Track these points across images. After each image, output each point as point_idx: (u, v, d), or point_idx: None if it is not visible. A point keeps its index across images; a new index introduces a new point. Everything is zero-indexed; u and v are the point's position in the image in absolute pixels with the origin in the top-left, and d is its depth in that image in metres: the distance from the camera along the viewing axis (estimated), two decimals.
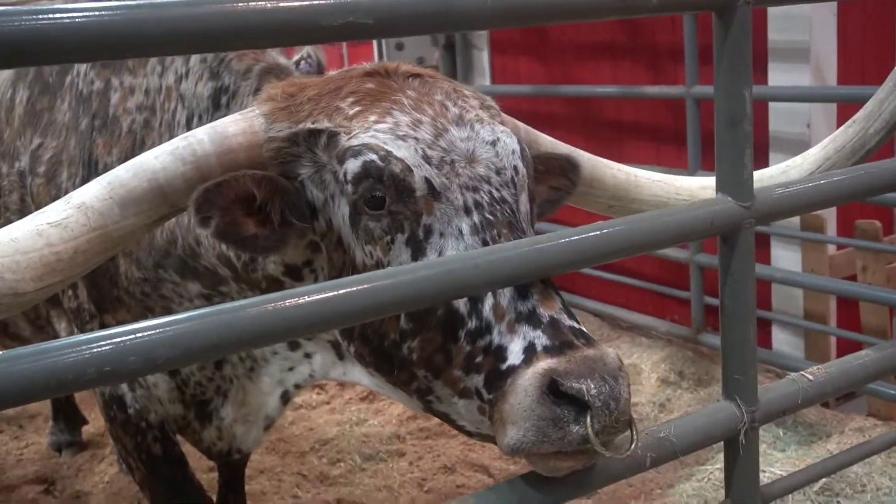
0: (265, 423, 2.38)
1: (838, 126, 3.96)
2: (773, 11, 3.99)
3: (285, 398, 2.27)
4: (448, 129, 1.46)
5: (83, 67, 2.17)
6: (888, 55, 4.19)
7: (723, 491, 1.73)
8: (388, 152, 1.43)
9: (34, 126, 2.27)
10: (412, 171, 1.42)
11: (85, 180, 1.76)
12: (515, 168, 1.49)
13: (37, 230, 1.32)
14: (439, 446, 3.96)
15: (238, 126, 1.52)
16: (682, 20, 4.23)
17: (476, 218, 1.43)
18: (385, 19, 1.24)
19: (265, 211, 1.52)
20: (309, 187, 1.55)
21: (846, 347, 3.68)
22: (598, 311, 5.20)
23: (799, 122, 4.06)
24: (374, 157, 1.44)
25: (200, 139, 1.47)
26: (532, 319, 1.33)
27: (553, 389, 1.23)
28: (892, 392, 3.52)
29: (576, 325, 1.32)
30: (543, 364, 1.26)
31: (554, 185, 1.75)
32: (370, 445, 4.05)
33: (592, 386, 1.23)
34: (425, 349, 1.43)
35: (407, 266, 1.30)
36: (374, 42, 6.95)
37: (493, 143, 1.49)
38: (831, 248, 4.01)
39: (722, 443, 1.69)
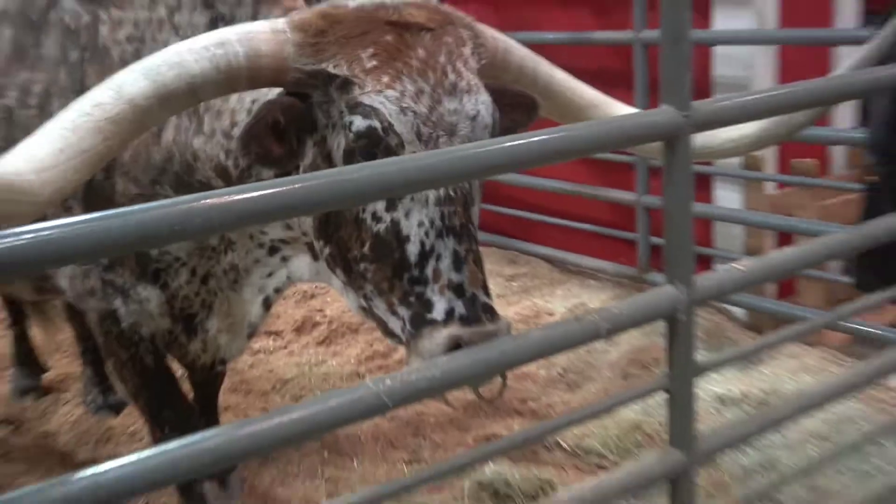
0: (248, 331, 2.55)
1: (779, 69, 4.16)
2: None
3: (267, 304, 2.47)
4: (442, 100, 1.73)
5: (68, 3, 2.30)
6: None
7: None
8: (390, 125, 1.70)
9: (20, 62, 2.39)
10: (404, 146, 1.70)
11: None
12: (482, 139, 1.73)
13: (96, 126, 1.45)
14: None
15: (269, 47, 1.72)
16: None
17: (441, 192, 1.73)
18: None
19: (286, 130, 1.80)
20: (315, 109, 1.80)
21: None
22: (549, 256, 5.31)
23: (741, 65, 4.23)
24: (378, 125, 1.71)
25: (236, 52, 1.67)
26: (458, 290, 1.69)
27: (455, 347, 1.60)
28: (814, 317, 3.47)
29: (488, 301, 1.69)
30: (455, 329, 1.63)
31: (514, 118, 1.97)
32: (330, 383, 4.10)
33: None
34: (376, 274, 1.79)
35: (352, 167, 1.48)
36: None
37: (473, 118, 1.77)
38: (772, 189, 4.17)
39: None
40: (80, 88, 2.13)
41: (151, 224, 1.20)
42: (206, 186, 2.08)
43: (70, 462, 3.53)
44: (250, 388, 4.06)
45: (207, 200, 1.24)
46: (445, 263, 1.71)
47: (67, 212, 2.23)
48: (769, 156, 4.13)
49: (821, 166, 4.22)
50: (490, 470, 3.05)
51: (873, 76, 2.11)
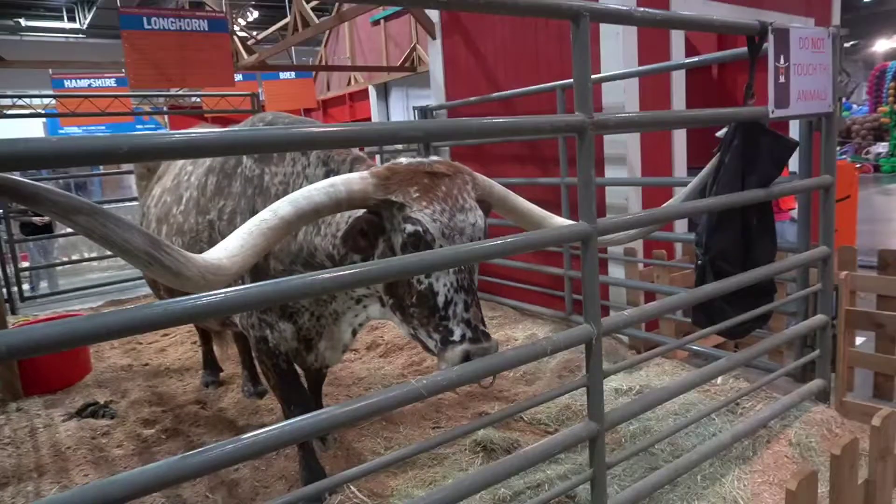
0: (343, 348, 2.54)
1: (643, 200, 4.21)
2: (608, 137, 4.20)
3: (354, 333, 2.47)
4: (455, 214, 1.80)
5: (248, 162, 2.40)
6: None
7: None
8: (427, 229, 1.77)
9: (220, 195, 2.47)
10: (435, 241, 1.78)
11: None
12: (479, 238, 1.84)
13: (261, 232, 1.50)
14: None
15: (360, 186, 1.78)
16: (558, 140, 4.38)
17: (457, 268, 1.77)
18: (430, 134, 1.48)
19: (367, 233, 1.87)
20: (384, 221, 1.87)
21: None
22: (511, 305, 5.27)
23: (621, 196, 4.27)
24: (420, 229, 1.78)
25: (340, 190, 1.71)
26: (468, 323, 1.73)
27: (466, 356, 1.67)
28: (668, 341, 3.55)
29: (485, 330, 1.74)
30: (466, 346, 1.69)
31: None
32: (387, 380, 4.00)
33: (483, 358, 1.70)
34: (420, 315, 1.81)
35: (404, 256, 1.54)
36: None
37: (474, 225, 1.83)
38: (640, 267, 4.11)
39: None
40: (252, 211, 2.28)
41: (287, 290, 1.23)
42: (320, 265, 2.18)
43: (234, 427, 3.49)
44: (340, 383, 4.02)
45: (320, 276, 1.26)
46: (460, 307, 1.75)
47: (242, 280, 2.33)
48: (639, 247, 4.18)
49: (668, 253, 4.22)
50: (482, 433, 2.98)
51: (694, 206, 2.23)
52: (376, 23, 10.35)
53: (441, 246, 1.78)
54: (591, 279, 1.76)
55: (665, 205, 2.28)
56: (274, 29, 12.18)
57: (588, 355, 1.80)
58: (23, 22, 18.75)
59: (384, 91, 10.97)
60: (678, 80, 4.24)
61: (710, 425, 2.85)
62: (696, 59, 3.15)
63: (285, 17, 11.26)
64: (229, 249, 1.40)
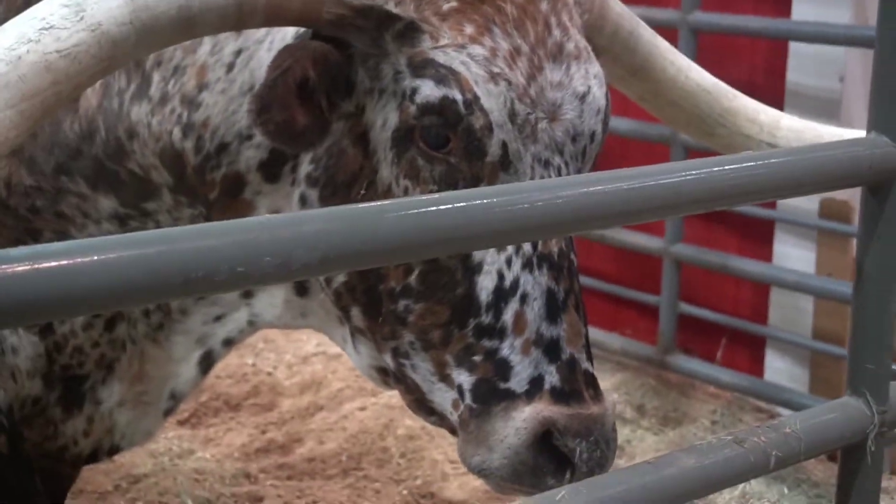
0: (168, 405, 1.54)
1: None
2: None
3: (206, 364, 1.49)
4: (543, 67, 1.07)
5: None
6: None
7: None
8: (476, 98, 1.02)
9: None
10: (492, 130, 1.02)
11: None
12: (592, 135, 1.10)
13: (45, 63, 0.82)
14: (313, 489, 2.22)
15: None
16: None
17: None
18: None
19: (314, 91, 1.07)
20: (356, 64, 1.09)
21: None
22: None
23: (829, 73, 2.45)
24: (458, 96, 1.01)
25: None
26: (551, 350, 1.01)
27: (544, 436, 0.98)
28: None
29: (590, 368, 1.04)
30: (546, 410, 0.98)
31: None
32: (207, 486, 2.30)
33: (585, 450, 0.96)
34: (425, 318, 1.07)
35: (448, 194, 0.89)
36: None
37: (582, 98, 1.09)
38: None
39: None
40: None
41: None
42: (137, 180, 1.31)
43: None
44: (82, 487, 2.25)
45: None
46: (535, 308, 1.02)
47: None
48: None
49: None
50: None
51: None
52: None
53: (505, 145, 1.05)
54: (879, 296, 1.06)
55: None
56: None
57: (848, 466, 1.12)
58: None
59: None
60: None
61: None
62: None
63: None
64: None
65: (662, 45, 1.30)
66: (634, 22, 1.27)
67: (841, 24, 2.59)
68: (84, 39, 0.84)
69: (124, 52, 0.90)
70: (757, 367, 2.83)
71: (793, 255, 2.66)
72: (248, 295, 1.38)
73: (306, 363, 3.21)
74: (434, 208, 0.74)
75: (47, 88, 0.82)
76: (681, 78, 1.28)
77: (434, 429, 1.85)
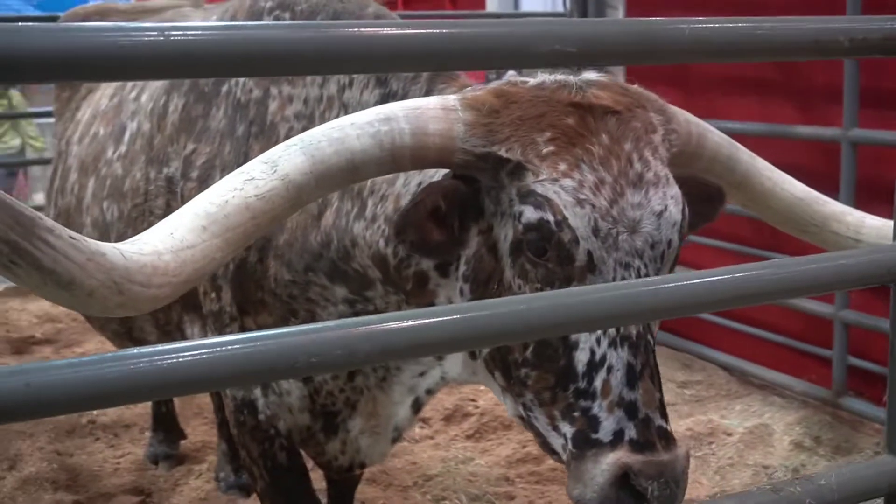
0: (393, 435, 1.93)
1: None
2: None
3: (416, 406, 1.84)
4: (625, 192, 1.23)
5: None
6: None
7: None
8: (564, 219, 1.20)
9: (188, 132, 1.90)
10: (578, 243, 1.20)
11: None
12: (669, 242, 1.26)
13: (245, 203, 1.01)
14: (551, 492, 2.78)
15: (438, 126, 1.22)
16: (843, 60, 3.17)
17: None
18: (588, 49, 0.95)
19: (447, 217, 1.29)
20: (483, 195, 1.31)
21: None
22: (728, 365, 3.98)
23: None
24: (550, 218, 1.20)
25: (402, 129, 1.19)
26: (630, 410, 1.18)
27: (623, 477, 1.16)
28: None
29: (664, 425, 1.20)
30: (624, 457, 1.15)
31: (698, 210, 1.39)
32: (477, 486, 2.93)
33: (656, 488, 1.13)
34: (538, 382, 1.28)
35: (542, 295, 1.12)
36: None
37: (659, 215, 1.25)
38: None
39: None
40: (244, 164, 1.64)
41: (305, 347, 0.79)
42: (360, 276, 1.61)
43: None
44: (390, 482, 2.96)
45: (358, 329, 0.83)
46: (617, 377, 1.19)
47: (217, 291, 1.81)
48: None
49: None
50: None
51: None
52: None
53: (591, 254, 1.23)
54: None
55: None
56: None
57: None
58: None
59: None
60: None
61: None
62: None
63: None
64: (179, 235, 0.99)
65: (760, 163, 1.44)
66: (734, 148, 1.42)
67: None
68: (276, 186, 1.03)
69: (307, 194, 1.10)
70: None
71: None
72: (440, 358, 1.66)
73: None
74: (525, 307, 0.91)
75: (247, 222, 1.00)
76: (777, 190, 1.42)
77: None
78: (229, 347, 0.76)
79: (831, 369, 3.28)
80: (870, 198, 2.73)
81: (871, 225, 1.39)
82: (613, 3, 4.46)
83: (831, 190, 3.13)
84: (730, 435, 3.25)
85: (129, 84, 2.24)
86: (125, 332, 2.24)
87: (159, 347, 0.76)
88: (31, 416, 0.71)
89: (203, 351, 0.75)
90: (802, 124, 3.49)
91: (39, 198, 6.54)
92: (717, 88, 4.01)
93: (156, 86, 2.10)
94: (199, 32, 0.76)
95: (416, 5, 8.26)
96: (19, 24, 0.71)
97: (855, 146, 3.09)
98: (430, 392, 1.81)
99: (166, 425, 3.22)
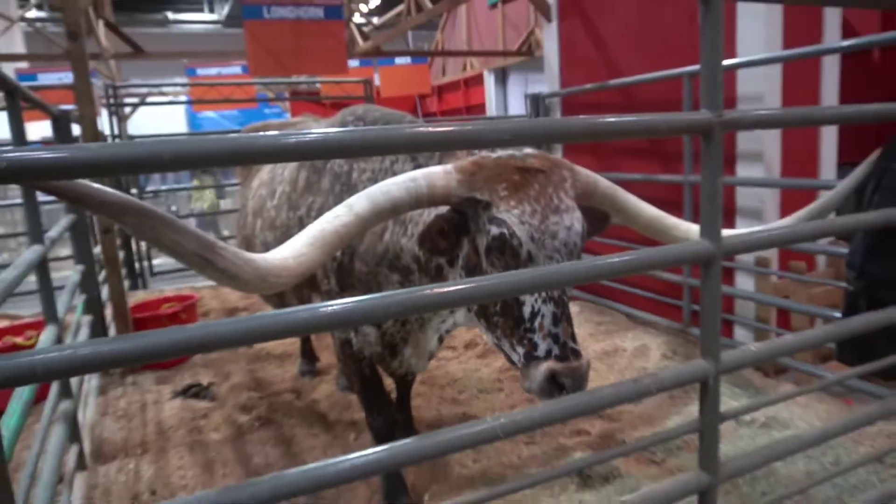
0: (429, 356, 2.48)
1: (781, 204, 3.76)
2: (741, 133, 3.92)
3: (440, 339, 2.39)
4: (549, 216, 1.64)
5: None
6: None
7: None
8: (514, 232, 1.63)
9: (309, 191, 2.45)
10: (522, 245, 1.64)
11: None
12: (575, 244, 1.68)
13: (334, 230, 1.42)
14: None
15: (441, 182, 1.65)
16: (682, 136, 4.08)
17: None
18: (517, 136, 1.29)
19: (448, 233, 1.74)
20: (469, 220, 1.74)
21: None
22: (623, 311, 5.00)
23: (755, 198, 3.89)
24: (506, 232, 1.64)
25: (421, 185, 1.61)
26: (555, 338, 1.58)
27: (551, 376, 1.53)
28: (810, 367, 3.41)
29: (575, 347, 1.59)
30: (552, 365, 1.54)
31: (594, 225, 1.84)
32: (482, 384, 3.90)
33: (571, 382, 1.52)
34: (503, 324, 1.68)
35: (503, 273, 1.36)
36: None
37: (569, 228, 1.66)
38: (775, 279, 3.87)
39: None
40: None
41: (381, 307, 1.15)
42: (406, 269, 2.12)
43: (324, 421, 3.54)
44: (434, 383, 3.96)
45: (406, 296, 1.18)
46: (547, 320, 1.59)
47: (328, 279, 2.32)
48: (773, 255, 3.86)
49: (808, 266, 3.88)
50: (578, 456, 2.90)
51: (845, 223, 1.86)
52: (494, 6, 10.21)
53: (529, 252, 1.63)
54: (711, 308, 1.55)
55: (807, 210, 1.98)
56: (391, 15, 11.89)
57: (703, 397, 1.61)
58: (170, 15, 21.00)
59: (502, 76, 10.84)
60: (830, 67, 3.81)
61: (852, 476, 2.55)
62: (856, 41, 2.79)
63: (403, 2, 11.47)
64: (296, 248, 1.35)
65: (631, 197, 1.81)
66: (615, 188, 1.79)
67: (758, 177, 3.59)
68: (352, 219, 1.43)
69: (370, 223, 1.48)
70: (729, 334, 3.90)
71: (743, 282, 3.81)
72: (452, 311, 2.13)
73: None
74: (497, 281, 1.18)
75: (335, 242, 1.38)
76: (641, 212, 1.80)
77: None
78: (343, 306, 1.06)
79: (682, 312, 4.30)
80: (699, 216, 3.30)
81: (695, 230, 1.75)
82: (554, 109, 5.35)
83: (679, 212, 3.87)
84: (625, 351, 4.11)
85: (279, 164, 2.80)
86: (280, 304, 2.87)
87: (310, 306, 1.05)
88: (244, 343, 1.02)
89: (330, 308, 1.06)
90: (662, 173, 4.41)
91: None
92: (615, 153, 4.91)
93: (292, 166, 2.64)
94: (314, 134, 1.05)
95: (445, 97, 9.50)
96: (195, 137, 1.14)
97: (692, 185, 4.00)
98: (448, 331, 2.30)
99: (309, 353, 4.24)
